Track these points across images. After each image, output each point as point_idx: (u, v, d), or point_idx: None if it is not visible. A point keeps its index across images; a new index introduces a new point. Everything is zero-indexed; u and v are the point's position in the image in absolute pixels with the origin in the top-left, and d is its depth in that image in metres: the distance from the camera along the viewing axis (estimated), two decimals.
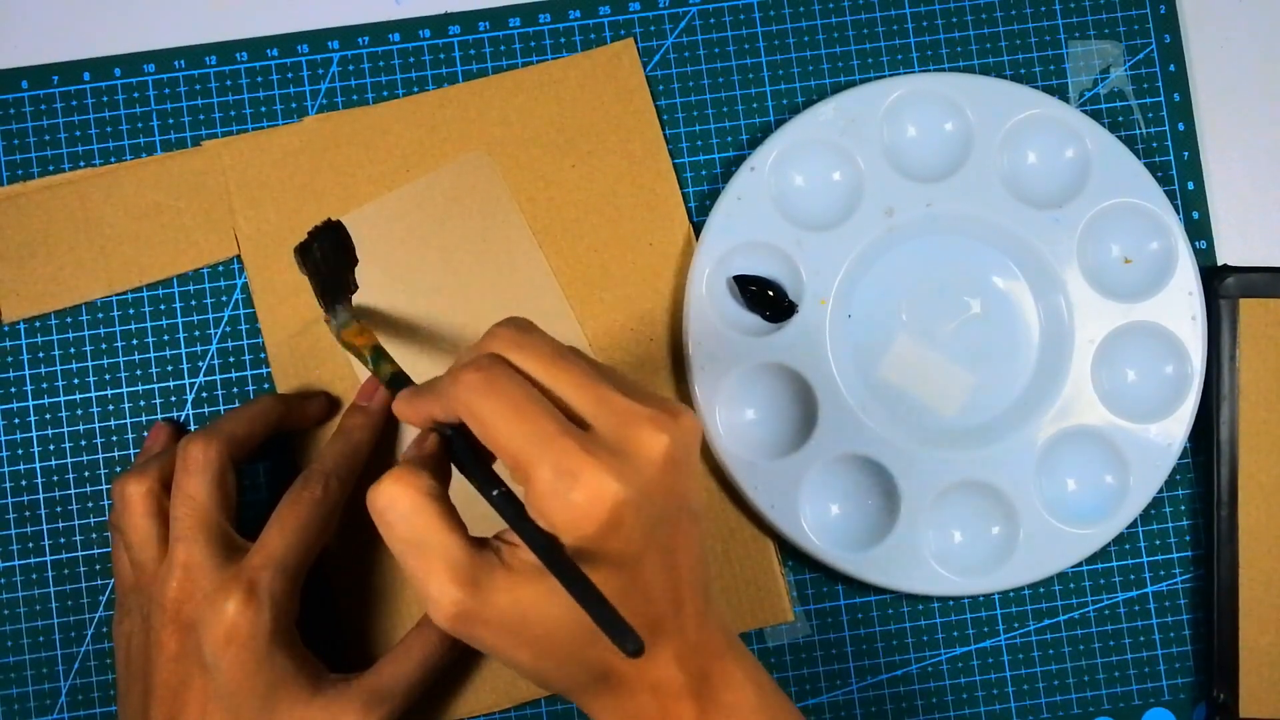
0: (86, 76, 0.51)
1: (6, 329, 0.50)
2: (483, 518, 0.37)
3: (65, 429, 0.50)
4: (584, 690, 0.38)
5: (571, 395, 0.36)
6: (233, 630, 0.41)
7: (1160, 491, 0.50)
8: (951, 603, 0.50)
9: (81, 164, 0.51)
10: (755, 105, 0.51)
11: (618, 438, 0.35)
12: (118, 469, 0.49)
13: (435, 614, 0.36)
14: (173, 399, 0.50)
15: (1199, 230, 0.52)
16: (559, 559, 0.34)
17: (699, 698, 0.37)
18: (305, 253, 0.46)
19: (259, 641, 0.41)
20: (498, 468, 0.37)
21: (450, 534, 0.36)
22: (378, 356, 0.44)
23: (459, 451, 0.38)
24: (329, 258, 0.47)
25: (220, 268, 0.50)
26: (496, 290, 0.50)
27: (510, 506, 0.35)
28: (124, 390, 0.50)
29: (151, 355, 0.50)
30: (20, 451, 0.49)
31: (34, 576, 0.49)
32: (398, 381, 0.43)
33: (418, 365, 0.50)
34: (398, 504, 0.36)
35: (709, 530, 0.49)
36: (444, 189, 0.50)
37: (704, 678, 0.38)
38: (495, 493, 0.36)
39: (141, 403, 0.50)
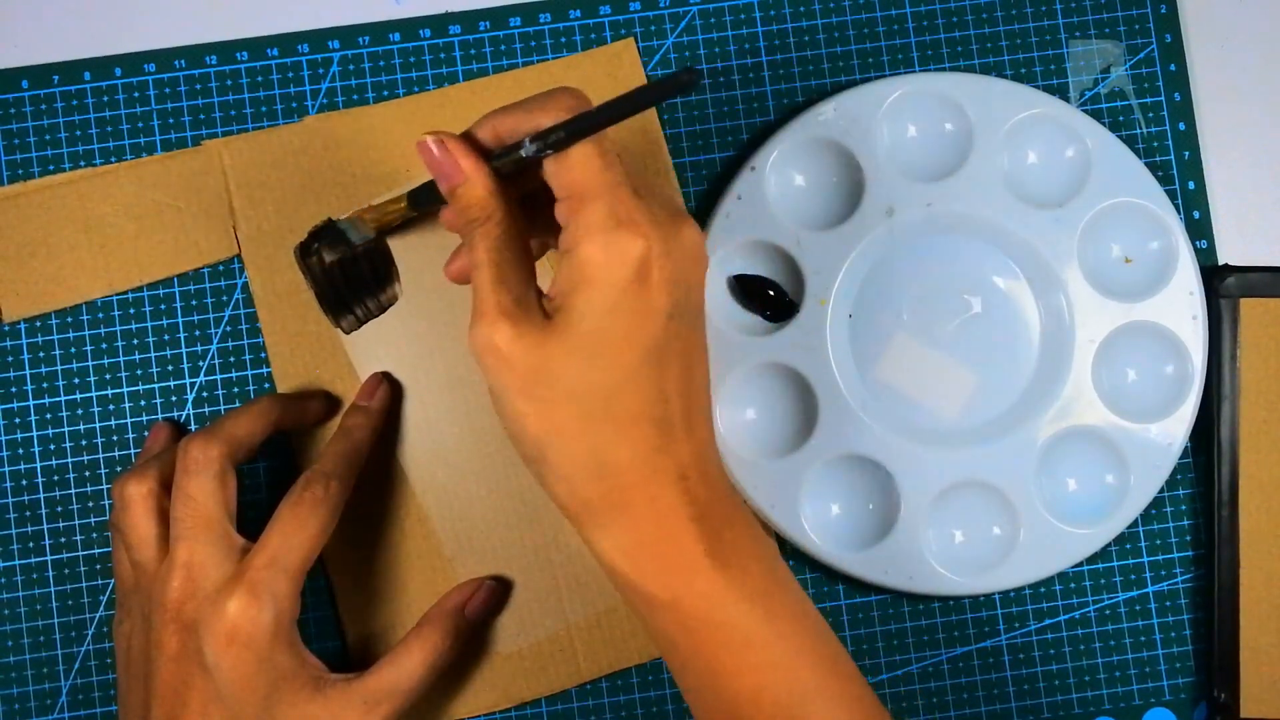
0: (86, 76, 0.51)
1: (6, 329, 0.50)
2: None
3: (65, 429, 0.50)
4: (584, 493, 0.37)
5: (629, 167, 0.38)
6: (234, 630, 0.41)
7: (1160, 491, 0.50)
8: (951, 603, 0.50)
9: (81, 164, 0.51)
10: (755, 105, 0.51)
11: (662, 212, 0.37)
12: (118, 469, 0.49)
13: (470, 342, 0.37)
14: (173, 399, 0.50)
15: (1199, 230, 0.52)
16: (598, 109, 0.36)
17: (702, 525, 0.37)
18: (305, 253, 0.46)
19: (261, 642, 0.41)
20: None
21: (516, 270, 0.38)
22: (398, 197, 0.46)
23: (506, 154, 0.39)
24: (336, 262, 0.47)
25: (220, 268, 0.50)
26: None
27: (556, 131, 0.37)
28: (124, 390, 0.50)
29: (151, 355, 0.50)
30: (20, 451, 0.49)
31: (34, 576, 0.49)
32: (420, 195, 0.45)
33: (413, 361, 0.50)
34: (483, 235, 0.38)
35: None
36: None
37: (708, 507, 0.37)
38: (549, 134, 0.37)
39: (141, 403, 0.50)
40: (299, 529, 0.43)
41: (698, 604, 0.37)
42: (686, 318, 0.37)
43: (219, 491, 0.43)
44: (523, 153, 0.37)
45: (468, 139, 0.39)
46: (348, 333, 0.50)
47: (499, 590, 0.49)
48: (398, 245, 0.50)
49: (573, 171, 0.36)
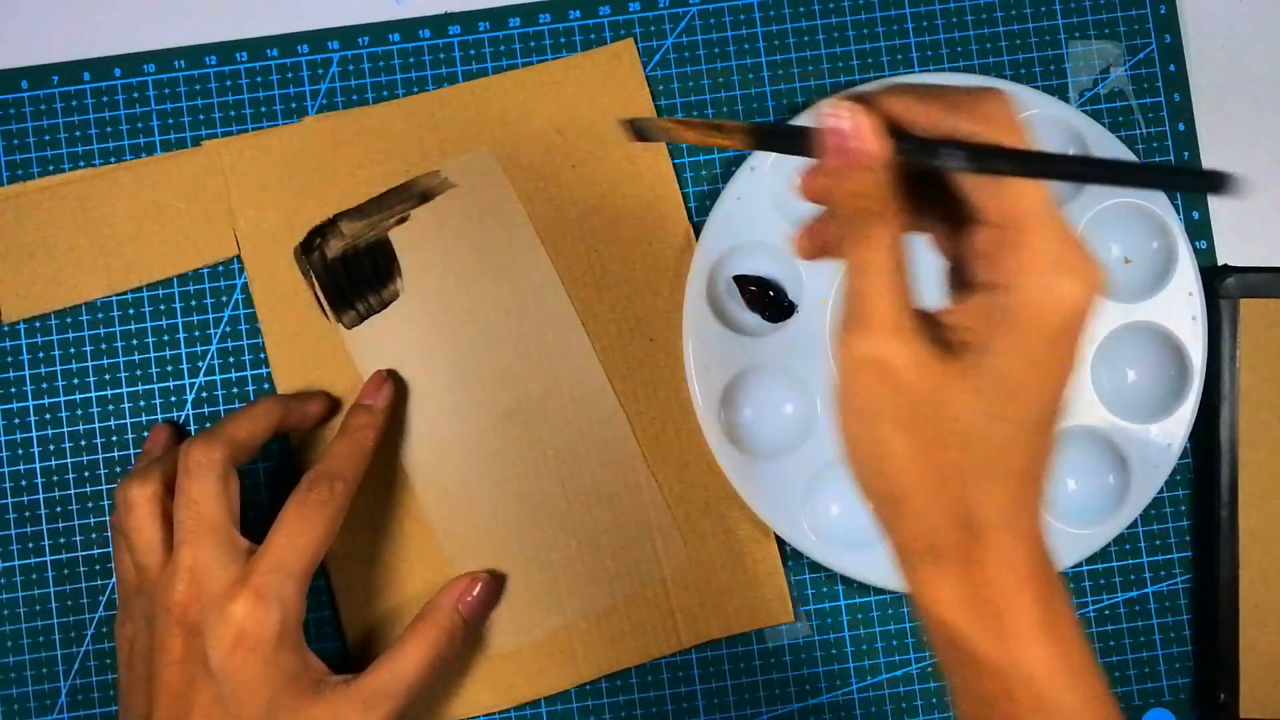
0: (86, 76, 0.51)
1: (6, 329, 0.50)
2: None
3: (65, 429, 0.50)
4: (931, 548, 0.34)
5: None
6: (241, 634, 0.41)
7: (1160, 491, 0.50)
8: None
9: (81, 164, 0.51)
10: (755, 105, 0.51)
11: (1092, 255, 0.32)
12: (117, 469, 0.49)
13: (845, 354, 0.32)
14: (173, 399, 0.50)
15: (1199, 230, 0.51)
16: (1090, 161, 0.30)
17: (1039, 588, 0.33)
18: (307, 248, 0.46)
19: (267, 645, 0.41)
20: None
21: (900, 296, 0.33)
22: (715, 127, 0.38)
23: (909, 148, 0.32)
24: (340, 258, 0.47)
25: (220, 268, 0.50)
26: (497, 287, 0.50)
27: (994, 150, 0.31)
28: (124, 390, 0.50)
29: (151, 355, 0.50)
30: (20, 451, 0.49)
31: (34, 576, 0.49)
32: (772, 136, 0.37)
33: (415, 359, 0.50)
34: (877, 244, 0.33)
35: (708, 530, 0.49)
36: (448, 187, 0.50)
37: (1046, 573, 0.34)
38: (977, 150, 0.31)
39: (141, 403, 0.50)
40: (304, 531, 0.43)
41: (1027, 674, 0.34)
42: (1067, 383, 0.33)
43: (222, 494, 0.43)
44: (941, 163, 0.31)
45: (877, 113, 0.33)
46: (348, 328, 0.50)
47: (494, 584, 0.48)
48: (399, 241, 0.50)
49: (1015, 198, 0.31)
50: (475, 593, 0.47)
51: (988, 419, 0.32)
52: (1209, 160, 0.52)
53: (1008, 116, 0.32)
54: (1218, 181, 0.28)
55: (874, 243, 0.33)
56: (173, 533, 0.43)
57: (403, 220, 0.50)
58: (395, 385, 0.49)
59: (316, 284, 0.49)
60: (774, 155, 0.49)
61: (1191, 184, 0.28)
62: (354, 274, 0.50)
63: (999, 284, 0.32)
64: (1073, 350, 0.32)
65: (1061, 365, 0.32)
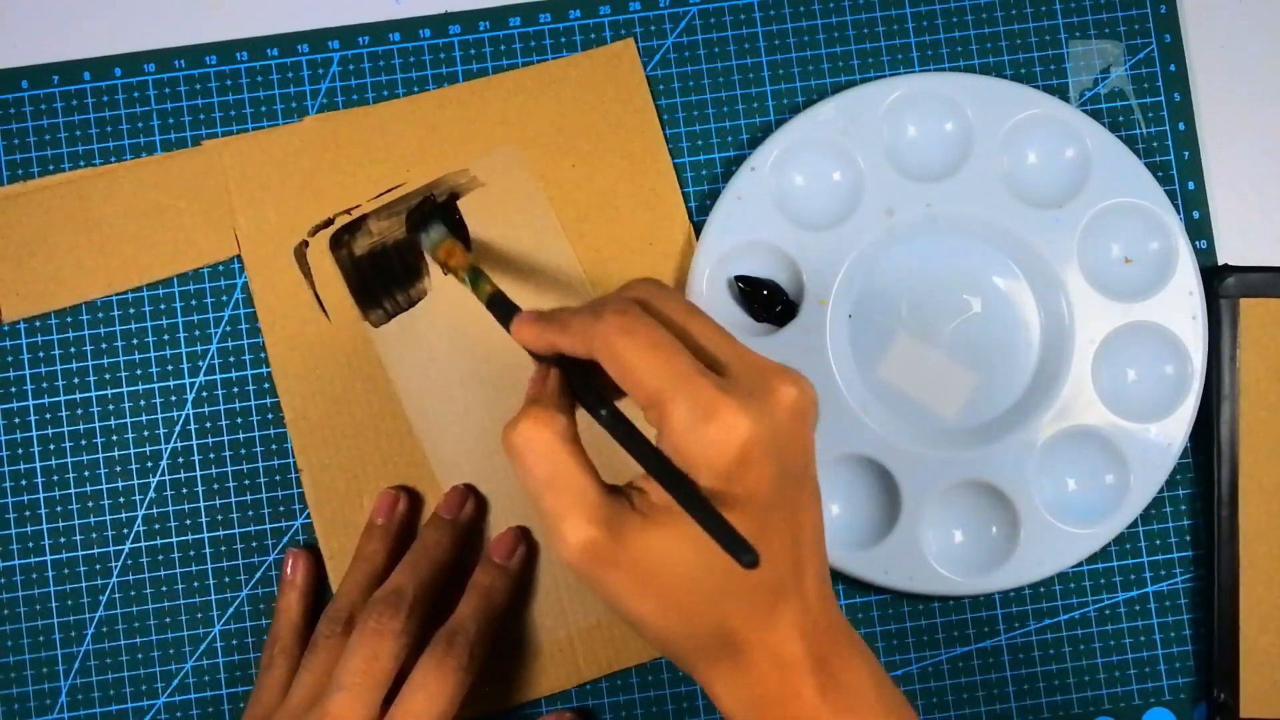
0: (86, 76, 0.51)
1: (6, 329, 0.50)
2: (605, 467, 0.37)
3: (65, 429, 0.50)
4: (704, 655, 0.37)
5: (706, 343, 0.37)
6: None
7: (1160, 491, 0.50)
8: (951, 603, 0.50)
9: (81, 164, 0.51)
10: (755, 105, 0.51)
11: (751, 383, 0.36)
12: (117, 469, 0.49)
13: (565, 554, 0.36)
14: (172, 399, 0.50)
15: (1199, 230, 0.52)
16: (672, 472, 0.35)
17: (819, 674, 0.37)
18: (335, 244, 0.46)
19: None
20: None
21: (586, 475, 0.36)
22: (476, 276, 0.43)
23: (579, 387, 0.38)
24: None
25: (220, 268, 0.50)
26: (523, 284, 0.50)
27: (632, 434, 0.36)
28: (124, 390, 0.50)
29: (151, 355, 0.50)
30: (20, 451, 0.49)
31: (34, 576, 0.49)
32: (498, 302, 0.42)
33: (441, 358, 0.50)
34: (535, 443, 0.36)
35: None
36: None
37: (824, 655, 0.37)
38: (619, 425, 0.36)
39: (141, 403, 0.50)
40: (441, 693, 0.43)
41: None
42: (789, 478, 0.36)
43: (400, 656, 0.43)
44: (599, 421, 0.36)
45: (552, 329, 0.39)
46: (376, 326, 0.50)
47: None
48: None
49: (642, 381, 0.36)
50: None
51: (701, 557, 0.35)
52: (1209, 159, 0.52)
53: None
54: (739, 552, 0.32)
55: (551, 426, 0.36)
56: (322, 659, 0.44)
57: None
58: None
59: (344, 281, 0.49)
60: (776, 153, 0.49)
61: (721, 540, 0.33)
62: (382, 272, 0.50)
63: (666, 450, 0.36)
64: (755, 474, 0.35)
65: (749, 491, 0.35)
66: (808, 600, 0.37)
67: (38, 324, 0.50)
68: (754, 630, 0.36)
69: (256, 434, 0.50)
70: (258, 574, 0.49)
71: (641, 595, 0.36)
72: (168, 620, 0.49)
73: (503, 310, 0.41)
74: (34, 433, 0.50)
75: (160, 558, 0.49)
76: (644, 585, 0.36)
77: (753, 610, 0.37)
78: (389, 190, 0.50)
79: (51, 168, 0.51)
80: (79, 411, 0.50)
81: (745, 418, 0.35)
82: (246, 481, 0.49)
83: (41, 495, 0.49)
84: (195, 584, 0.49)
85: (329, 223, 0.50)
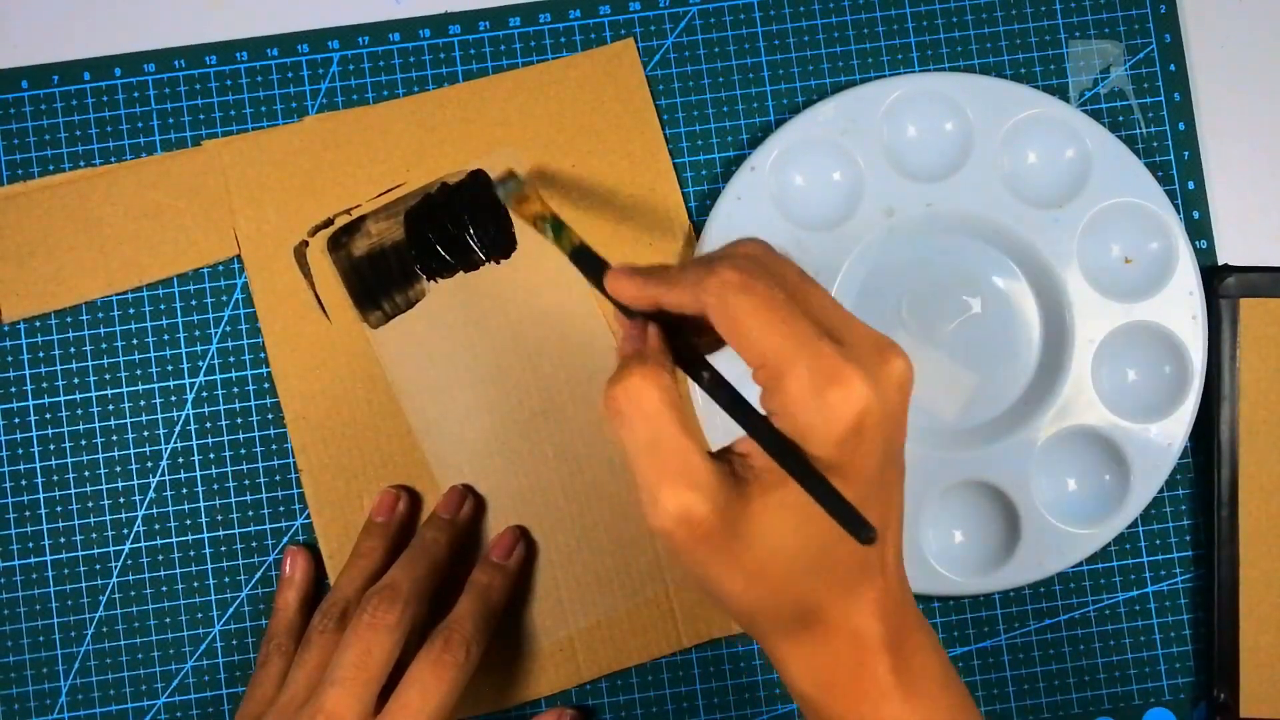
0: (86, 76, 0.51)
1: (6, 329, 0.50)
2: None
3: (65, 429, 0.50)
4: (782, 627, 0.36)
5: (821, 312, 0.35)
6: None
7: (1160, 491, 0.50)
8: (951, 603, 0.50)
9: (81, 164, 0.51)
10: (755, 105, 0.51)
11: (866, 354, 0.34)
12: (118, 469, 0.49)
13: (660, 521, 0.34)
14: (172, 399, 0.50)
15: (1199, 230, 0.52)
16: (784, 443, 0.33)
17: (894, 654, 0.36)
18: (334, 245, 0.46)
19: None
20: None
21: (690, 438, 0.34)
22: (559, 227, 0.41)
23: (679, 347, 0.36)
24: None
25: (220, 268, 0.50)
26: (515, 287, 0.50)
27: (738, 400, 0.34)
28: (124, 390, 0.50)
29: (151, 355, 0.50)
30: (20, 451, 0.49)
31: (34, 576, 0.49)
32: (584, 255, 0.40)
33: (440, 360, 0.50)
34: (643, 402, 0.34)
35: None
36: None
37: (899, 637, 0.36)
38: (723, 390, 0.34)
39: (141, 403, 0.50)
40: (437, 690, 0.42)
41: None
42: (891, 453, 0.35)
43: (395, 651, 0.43)
44: (701, 385, 0.35)
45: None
46: (374, 328, 0.50)
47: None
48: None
49: (757, 341, 0.33)
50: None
51: (799, 532, 0.34)
52: (1209, 159, 0.52)
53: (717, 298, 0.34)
54: (858, 528, 0.32)
55: (652, 391, 0.34)
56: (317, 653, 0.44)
57: None
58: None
59: (342, 283, 0.49)
60: (776, 153, 0.49)
61: (839, 516, 0.32)
62: (380, 273, 0.50)
63: (775, 413, 0.34)
64: (868, 448, 0.34)
65: (860, 464, 0.34)
66: (889, 579, 0.36)
67: (38, 324, 0.50)
68: (837, 606, 0.35)
69: (256, 434, 0.50)
70: (257, 574, 0.49)
71: (734, 566, 0.34)
72: (168, 620, 0.49)
73: (589, 263, 0.39)
74: (34, 433, 0.50)
75: (160, 558, 0.49)
76: (738, 556, 0.34)
77: (840, 586, 0.35)
78: (389, 190, 0.50)
79: (51, 168, 0.51)
80: (79, 411, 0.50)
81: (865, 385, 0.33)
82: (246, 481, 0.49)
83: (41, 495, 0.49)
84: (195, 584, 0.49)
85: (329, 223, 0.50)
